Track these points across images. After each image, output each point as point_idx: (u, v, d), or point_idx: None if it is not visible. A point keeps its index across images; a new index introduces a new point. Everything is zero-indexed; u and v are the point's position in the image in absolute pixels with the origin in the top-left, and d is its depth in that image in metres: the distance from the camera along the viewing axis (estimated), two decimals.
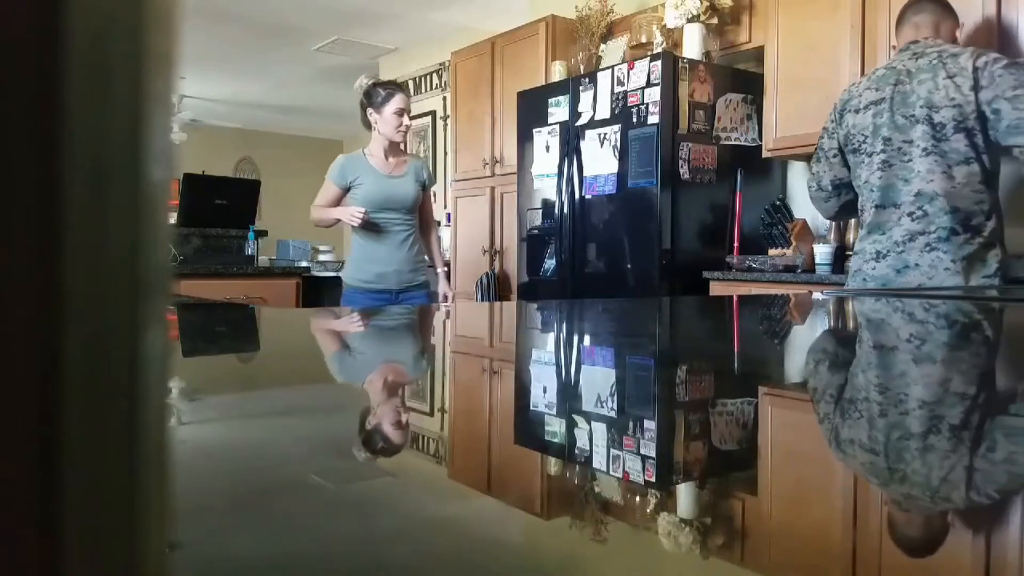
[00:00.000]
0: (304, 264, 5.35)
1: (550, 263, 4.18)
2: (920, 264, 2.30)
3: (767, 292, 3.11)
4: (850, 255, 2.74)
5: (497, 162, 5.08)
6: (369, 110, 3.14)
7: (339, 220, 3.12)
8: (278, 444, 0.38)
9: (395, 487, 0.31)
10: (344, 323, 1.20)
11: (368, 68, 7.02)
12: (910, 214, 2.33)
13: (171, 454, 0.14)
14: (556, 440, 0.41)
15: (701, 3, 3.82)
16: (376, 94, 3.12)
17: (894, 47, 2.61)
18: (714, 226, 3.73)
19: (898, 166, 2.36)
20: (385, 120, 3.10)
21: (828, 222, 3.35)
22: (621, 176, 3.73)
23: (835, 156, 2.57)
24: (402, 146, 3.22)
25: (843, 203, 2.63)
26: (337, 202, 3.14)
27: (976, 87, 2.26)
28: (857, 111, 2.49)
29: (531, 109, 4.32)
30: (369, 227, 3.08)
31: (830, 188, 2.62)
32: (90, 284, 0.12)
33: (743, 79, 3.88)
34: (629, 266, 3.71)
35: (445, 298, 3.41)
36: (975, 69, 2.27)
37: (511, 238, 4.72)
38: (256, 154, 11.30)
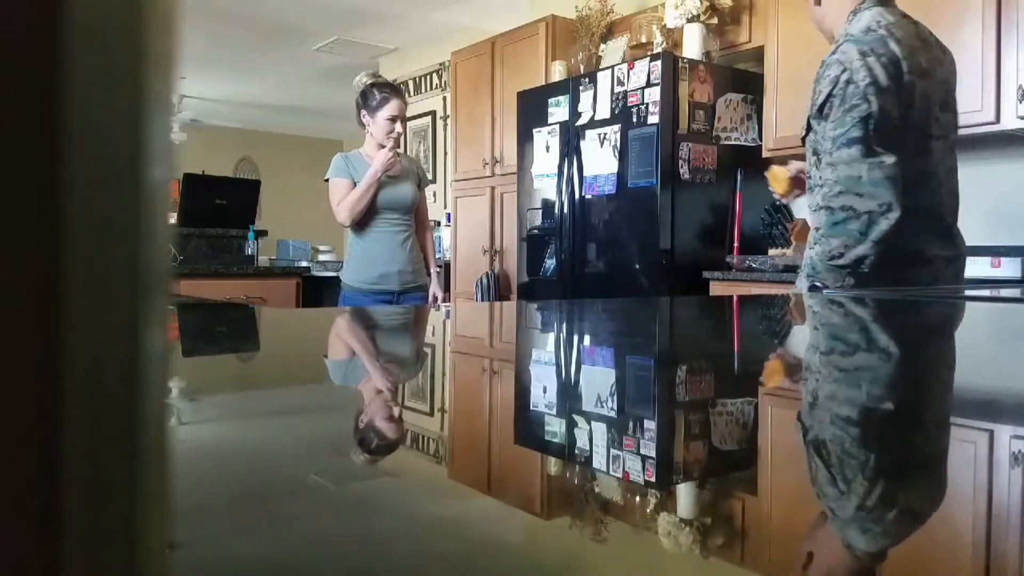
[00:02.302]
0: (304, 264, 5.35)
1: (550, 263, 4.18)
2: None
3: (767, 292, 3.11)
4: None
5: (497, 162, 5.08)
6: (363, 111, 3.11)
7: (376, 180, 2.99)
8: (278, 444, 0.38)
9: (395, 487, 0.31)
10: (344, 323, 1.20)
11: (368, 68, 7.01)
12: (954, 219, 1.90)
13: (171, 454, 0.14)
14: (556, 440, 0.41)
15: (701, 3, 3.82)
16: (372, 97, 3.09)
17: None
18: (714, 226, 3.73)
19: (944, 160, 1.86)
20: (377, 125, 3.07)
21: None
22: (621, 176, 3.73)
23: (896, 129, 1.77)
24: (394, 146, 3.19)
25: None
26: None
27: (952, 82, 1.92)
28: (922, 75, 1.79)
29: (531, 109, 4.32)
30: (371, 218, 3.05)
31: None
32: (90, 284, 0.12)
33: (743, 79, 3.88)
34: (629, 266, 3.71)
35: (436, 299, 3.34)
36: (952, 59, 1.92)
37: (511, 238, 4.72)
38: (256, 154, 11.30)
